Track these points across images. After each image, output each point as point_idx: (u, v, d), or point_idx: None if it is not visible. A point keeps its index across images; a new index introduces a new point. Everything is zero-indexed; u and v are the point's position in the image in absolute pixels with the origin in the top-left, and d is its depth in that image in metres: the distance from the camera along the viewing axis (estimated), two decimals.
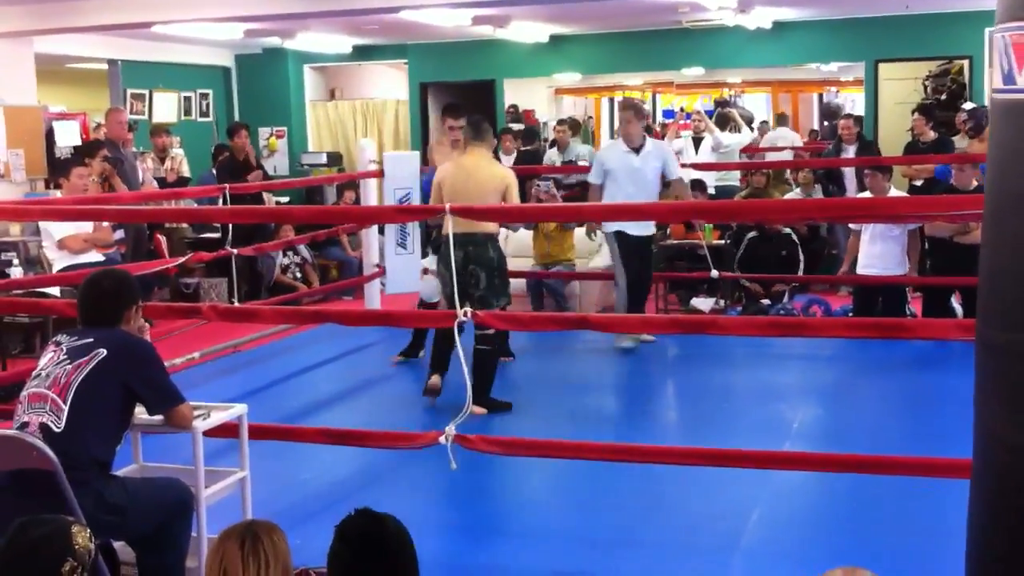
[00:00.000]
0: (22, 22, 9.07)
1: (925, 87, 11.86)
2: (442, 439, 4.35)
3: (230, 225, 8.18)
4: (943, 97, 11.50)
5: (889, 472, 4.24)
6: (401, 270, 8.51)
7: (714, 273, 8.46)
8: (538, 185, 9.38)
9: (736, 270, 8.99)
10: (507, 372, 7.01)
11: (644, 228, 7.63)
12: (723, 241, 9.52)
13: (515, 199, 6.29)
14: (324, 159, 13.10)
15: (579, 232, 9.39)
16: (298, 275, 10.54)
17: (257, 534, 2.49)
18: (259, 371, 7.49)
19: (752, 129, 17.44)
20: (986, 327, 1.82)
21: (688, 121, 12.95)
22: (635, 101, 6.78)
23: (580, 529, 4.55)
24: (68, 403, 3.42)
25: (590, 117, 17.71)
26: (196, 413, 3.81)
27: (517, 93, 14.12)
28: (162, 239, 9.80)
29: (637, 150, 7.60)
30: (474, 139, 6.35)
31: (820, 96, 18.64)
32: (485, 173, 6.21)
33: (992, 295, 1.82)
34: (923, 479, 4.09)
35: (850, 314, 8.07)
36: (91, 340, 3.55)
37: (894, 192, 8.22)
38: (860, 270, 8.12)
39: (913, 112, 9.97)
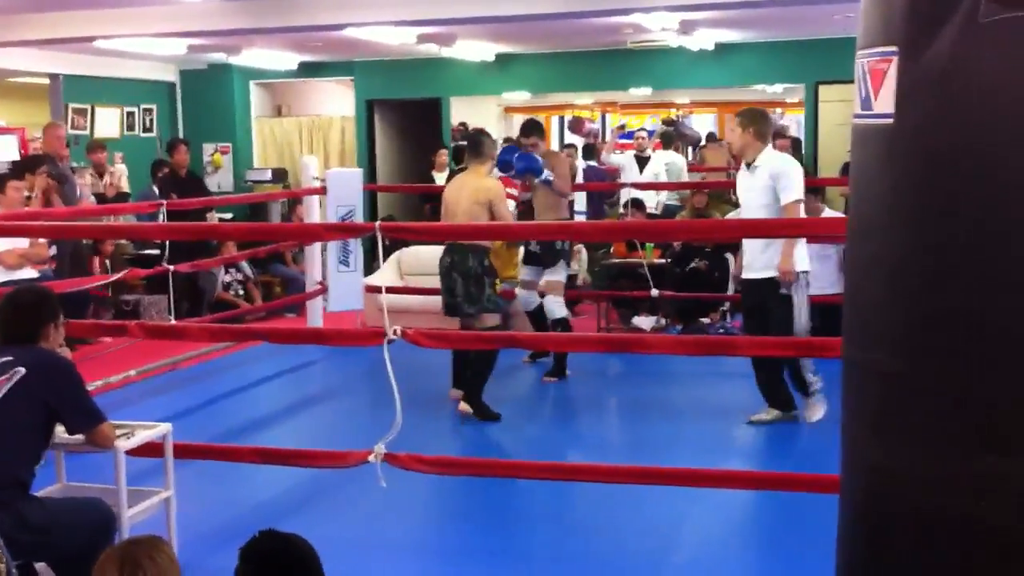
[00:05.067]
0: None
1: None
2: (371, 458, 4.35)
3: (167, 242, 8.12)
4: None
5: (815, 490, 4.30)
6: (344, 287, 8.51)
7: (654, 292, 8.53)
8: None
9: (678, 290, 9.06)
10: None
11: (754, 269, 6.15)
12: (664, 260, 9.59)
13: (500, 209, 6.53)
14: (269, 175, 13.04)
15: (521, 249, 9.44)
16: (240, 292, 10.48)
17: (137, 558, 2.42)
18: (197, 389, 7.44)
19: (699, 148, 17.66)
20: (850, 347, 1.88)
21: (630, 140, 13.06)
22: (760, 110, 6.54)
23: (510, 546, 4.57)
24: None
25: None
26: (119, 432, 3.79)
27: (467, 111, 14.17)
28: (95, 258, 9.68)
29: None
30: (470, 154, 6.85)
31: None
32: (471, 187, 6.52)
33: (852, 314, 1.88)
34: None
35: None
36: (10, 358, 3.51)
37: (828, 212, 8.33)
38: None
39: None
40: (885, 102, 1.69)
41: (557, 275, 7.42)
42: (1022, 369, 1.58)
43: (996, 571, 1.63)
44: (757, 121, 6.04)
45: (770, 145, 6.08)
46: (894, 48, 1.67)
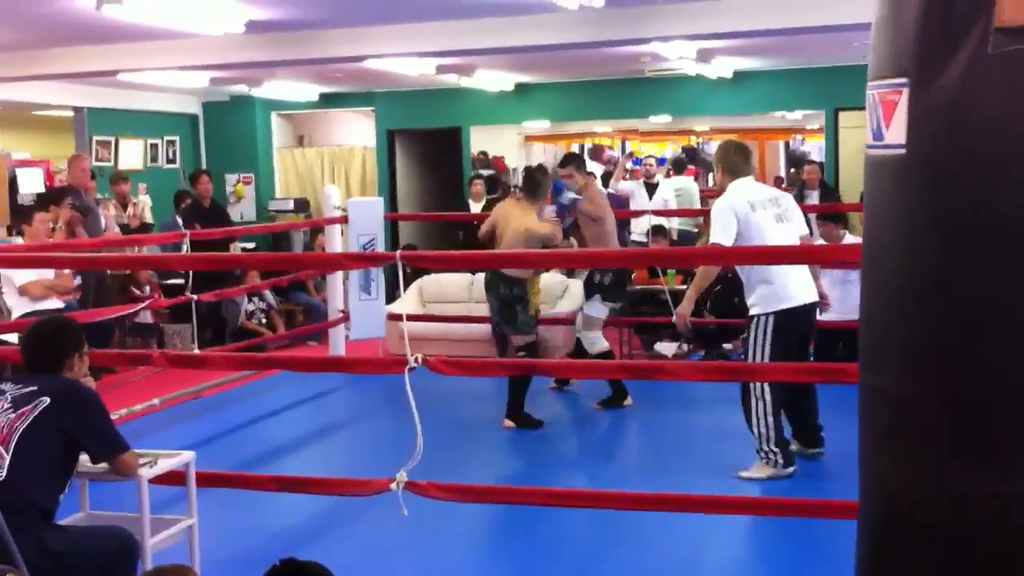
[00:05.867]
0: None
1: None
2: (393, 486, 4.37)
3: (190, 272, 8.19)
4: None
5: (835, 515, 4.29)
6: (365, 315, 8.55)
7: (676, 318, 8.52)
8: None
9: (707, 316, 9.05)
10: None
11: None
12: (686, 286, 9.58)
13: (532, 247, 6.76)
14: (291, 205, 13.15)
15: (545, 277, 9.46)
16: (263, 321, 10.55)
17: None
18: (219, 417, 7.48)
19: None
20: (864, 371, 1.89)
21: (638, 167, 13.10)
22: (731, 143, 6.25)
23: (531, 573, 4.57)
24: (10, 451, 3.43)
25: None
26: (142, 461, 3.82)
27: (487, 140, 14.25)
28: (131, 286, 9.77)
29: None
30: (525, 191, 7.24)
31: (786, 144, 18.90)
32: (517, 220, 6.92)
33: (868, 340, 1.90)
34: None
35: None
36: (35, 388, 3.56)
37: (851, 239, 8.32)
38: (821, 316, 8.19)
39: None
40: (896, 132, 1.71)
41: (593, 310, 7.34)
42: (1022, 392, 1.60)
43: None
44: (726, 156, 5.90)
45: (740, 179, 5.71)
46: (905, 79, 1.69)
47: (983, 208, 1.60)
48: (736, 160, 5.81)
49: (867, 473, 1.86)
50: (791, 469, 5.64)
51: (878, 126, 1.76)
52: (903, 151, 1.71)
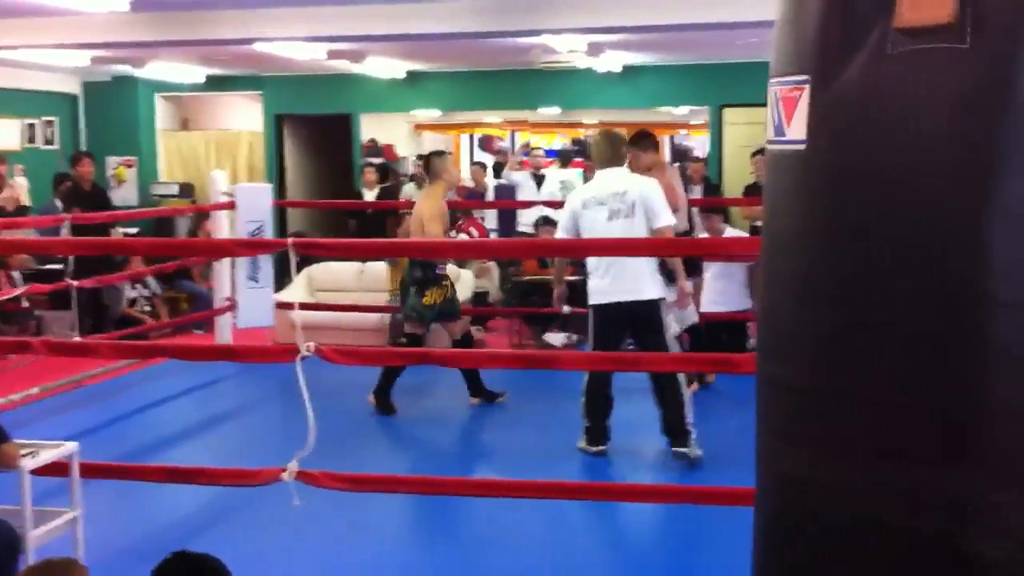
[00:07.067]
0: None
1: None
2: (284, 476, 4.32)
3: (71, 257, 7.95)
4: None
5: (730, 503, 4.41)
6: (253, 304, 8.41)
7: (565, 309, 8.61)
8: (407, 220, 9.43)
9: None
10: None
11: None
12: (576, 278, 9.69)
13: (428, 227, 6.76)
14: (176, 190, 12.84)
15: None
16: (147, 308, 10.30)
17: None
18: (102, 407, 7.28)
19: None
20: (762, 360, 1.95)
21: (527, 159, 13.21)
22: (603, 134, 6.29)
23: (424, 561, 4.58)
24: None
25: (450, 153, 17.86)
26: (23, 452, 3.71)
27: (377, 127, 14.15)
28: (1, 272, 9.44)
29: None
30: (428, 174, 7.20)
31: (672, 139, 19.23)
32: (418, 206, 7.03)
33: (766, 330, 1.95)
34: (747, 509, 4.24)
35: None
36: None
37: (731, 232, 8.53)
38: (705, 307, 8.37)
39: (753, 155, 10.37)
40: (798, 129, 1.76)
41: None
42: (919, 383, 1.67)
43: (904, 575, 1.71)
44: (594, 146, 6.11)
45: (605, 170, 5.84)
46: (806, 77, 1.75)
47: (880, 205, 1.65)
48: (601, 151, 5.94)
49: (765, 461, 1.92)
50: (597, 448, 5.87)
51: (779, 122, 1.81)
52: (803, 147, 1.76)
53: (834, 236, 1.72)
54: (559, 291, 6.42)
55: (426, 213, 6.86)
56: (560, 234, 5.88)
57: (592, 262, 5.77)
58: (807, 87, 1.74)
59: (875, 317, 1.68)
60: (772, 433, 1.89)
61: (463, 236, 7.04)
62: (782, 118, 1.80)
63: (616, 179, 5.77)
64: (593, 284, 5.75)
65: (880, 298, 1.67)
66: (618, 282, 5.62)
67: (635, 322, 5.70)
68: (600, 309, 5.71)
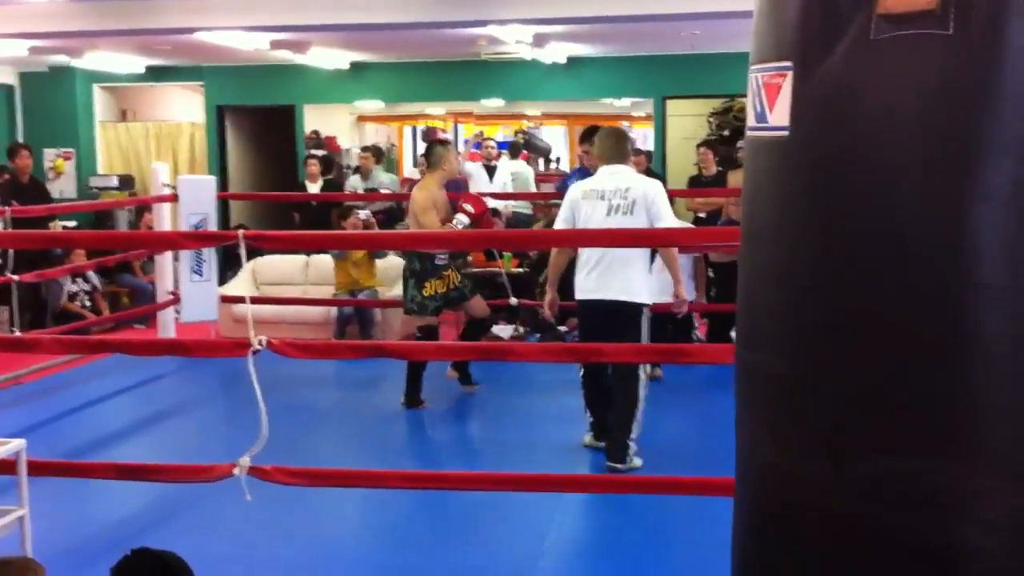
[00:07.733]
0: None
1: (710, 123, 12.47)
2: (236, 471, 4.26)
3: (9, 251, 7.77)
4: (727, 133, 12.12)
5: (674, 492, 4.43)
6: (197, 298, 8.30)
7: (513, 301, 8.60)
8: (356, 213, 9.37)
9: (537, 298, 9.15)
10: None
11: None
12: (522, 269, 9.69)
13: (421, 219, 6.72)
14: (115, 182, 12.60)
15: (380, 260, 9.40)
16: (87, 303, 10.10)
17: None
18: (44, 404, 7.12)
19: (550, 160, 17.94)
20: (741, 348, 1.95)
21: (477, 151, 13.18)
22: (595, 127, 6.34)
23: (380, 557, 4.54)
24: None
25: (393, 145, 17.78)
26: None
27: (319, 119, 14.01)
28: None
29: None
30: (426, 161, 7.14)
31: None
32: (412, 196, 6.94)
33: (745, 317, 1.95)
34: (715, 499, 4.26)
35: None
36: None
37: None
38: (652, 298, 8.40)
39: (698, 147, 10.43)
40: (780, 116, 1.76)
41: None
42: (899, 372, 1.67)
43: (882, 568, 1.72)
44: (598, 142, 5.98)
45: (607, 166, 5.74)
46: (789, 63, 1.74)
47: (864, 191, 1.66)
48: (606, 147, 5.87)
49: (745, 449, 1.92)
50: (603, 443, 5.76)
51: (761, 109, 1.81)
52: (786, 134, 1.76)
53: (816, 222, 1.72)
54: (551, 297, 5.93)
55: (419, 204, 6.74)
56: (559, 225, 5.70)
57: (583, 257, 5.66)
58: (790, 73, 1.74)
59: (857, 305, 1.69)
60: (752, 420, 1.89)
61: (459, 215, 6.83)
62: (764, 105, 1.79)
63: (620, 176, 5.68)
64: (580, 279, 5.65)
65: (862, 285, 1.68)
66: (604, 279, 5.55)
67: (613, 323, 5.55)
68: (584, 305, 5.64)
